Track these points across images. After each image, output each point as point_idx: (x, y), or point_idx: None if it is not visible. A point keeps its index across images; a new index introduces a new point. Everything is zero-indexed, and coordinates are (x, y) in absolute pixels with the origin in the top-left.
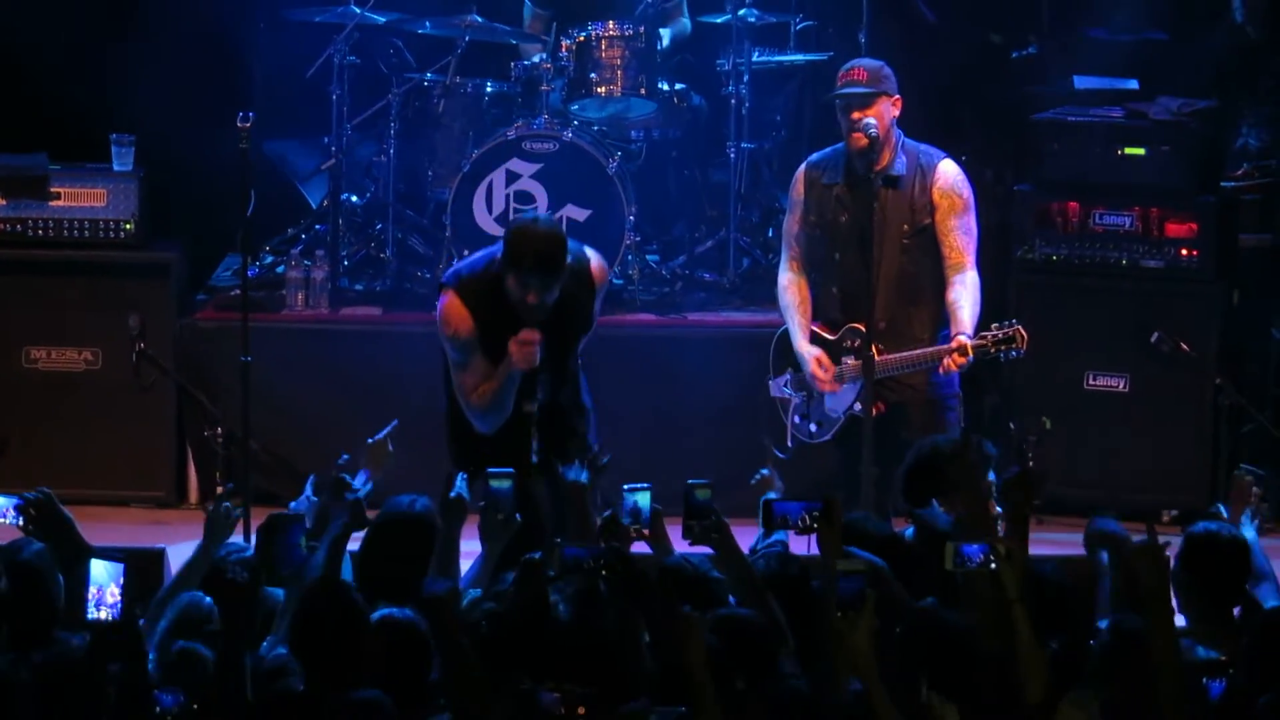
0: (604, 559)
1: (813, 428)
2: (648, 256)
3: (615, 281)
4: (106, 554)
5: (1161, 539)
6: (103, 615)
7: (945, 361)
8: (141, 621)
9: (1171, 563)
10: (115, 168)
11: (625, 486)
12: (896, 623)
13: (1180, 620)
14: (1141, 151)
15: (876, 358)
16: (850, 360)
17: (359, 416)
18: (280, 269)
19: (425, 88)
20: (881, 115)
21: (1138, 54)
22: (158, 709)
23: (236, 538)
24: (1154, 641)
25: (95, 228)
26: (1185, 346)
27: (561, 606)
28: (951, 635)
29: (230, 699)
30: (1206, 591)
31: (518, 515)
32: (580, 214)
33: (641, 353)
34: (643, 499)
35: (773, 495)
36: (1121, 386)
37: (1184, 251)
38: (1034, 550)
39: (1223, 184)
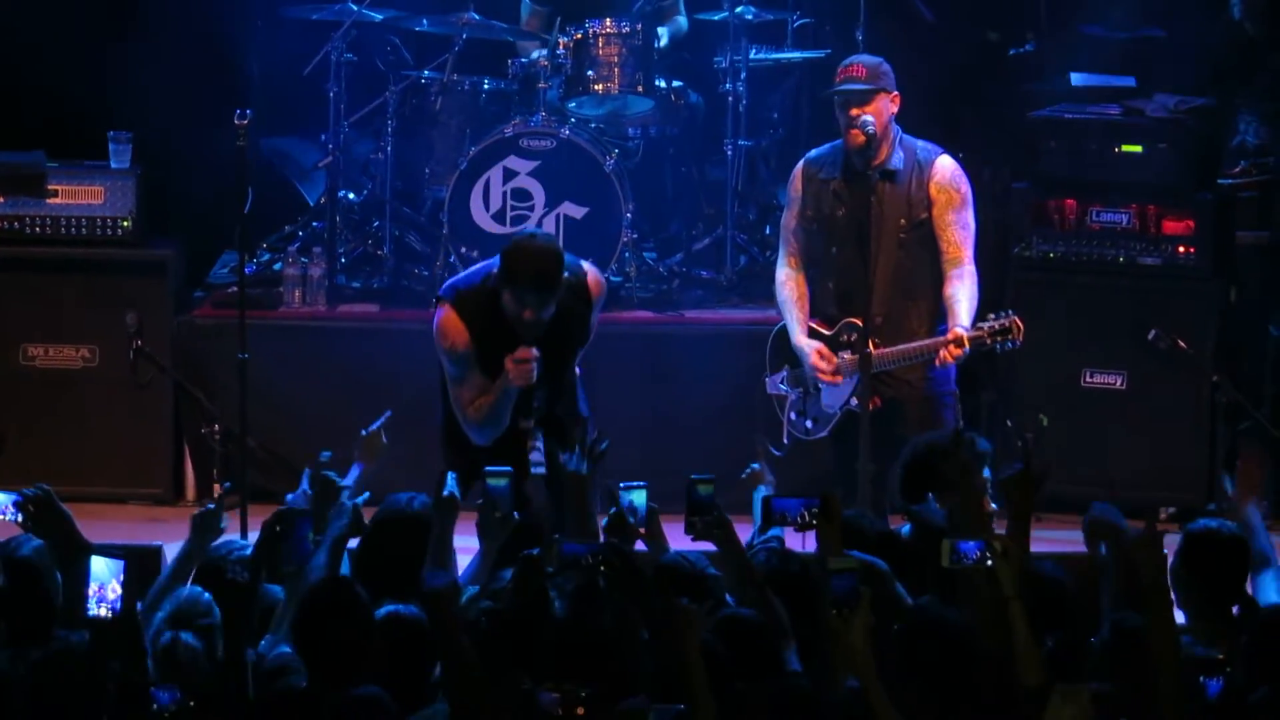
0: (603, 555)
1: (809, 424)
2: (645, 254)
3: (613, 279)
4: (105, 551)
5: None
6: (103, 612)
7: (941, 353)
8: None
9: (1170, 559)
10: (113, 165)
11: (621, 485)
12: (894, 621)
13: (1179, 618)
14: (1139, 149)
15: (873, 352)
16: (847, 355)
17: (356, 413)
18: (277, 266)
19: (422, 85)
20: (880, 111)
21: (1134, 51)
22: (154, 706)
23: (234, 535)
24: (1153, 636)
25: (93, 225)
26: (1182, 344)
27: (559, 603)
28: (949, 633)
29: (232, 697)
30: (1205, 589)
31: (515, 513)
32: (577, 211)
33: (638, 350)
34: (638, 497)
35: (764, 490)
36: (1119, 384)
37: (1181, 249)
38: (1031, 547)
39: (1220, 181)
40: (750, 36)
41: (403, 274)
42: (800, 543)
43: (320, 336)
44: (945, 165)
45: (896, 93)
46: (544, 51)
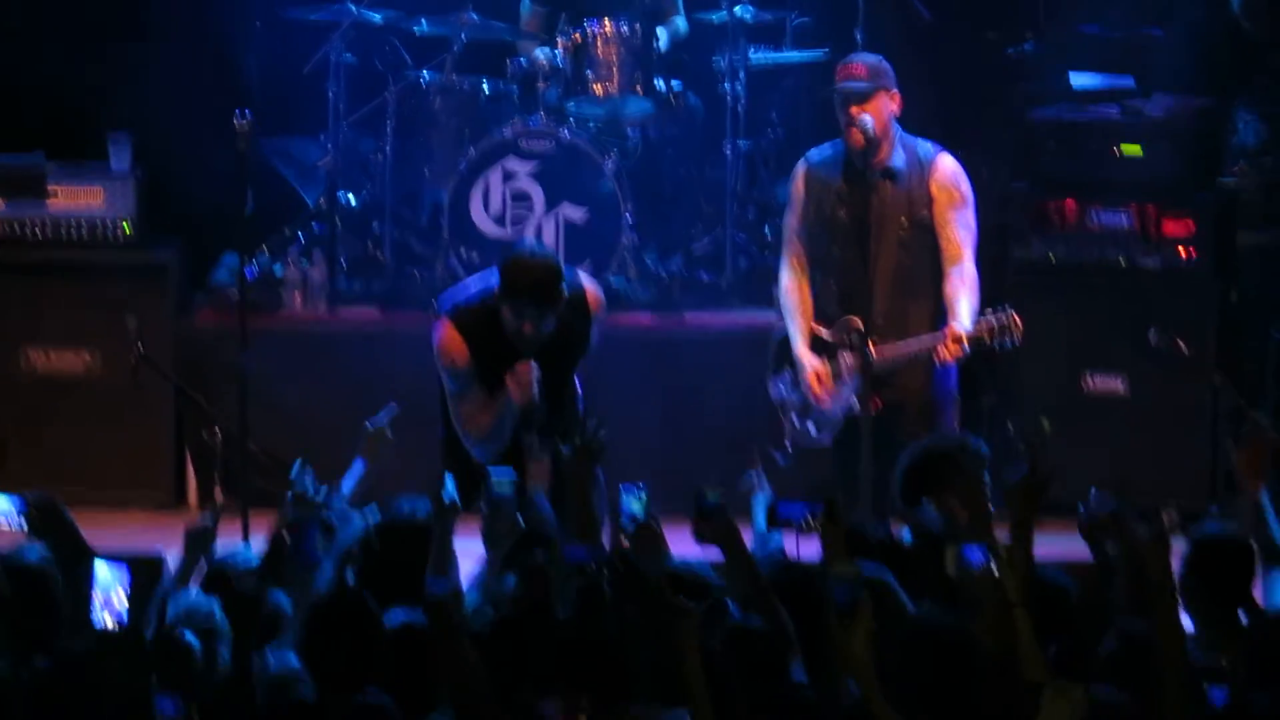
0: (607, 560)
1: (812, 428)
2: (644, 256)
3: (612, 281)
4: (111, 559)
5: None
6: (108, 619)
7: (940, 351)
8: None
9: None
10: (112, 166)
11: (621, 490)
12: (895, 628)
13: (1186, 624)
14: (1138, 149)
15: (874, 353)
16: (847, 356)
17: (357, 416)
18: (278, 269)
19: (422, 86)
20: (879, 110)
21: (1133, 50)
22: (158, 715)
23: (239, 543)
24: (1159, 637)
25: (92, 228)
26: (1182, 344)
27: (563, 609)
28: (947, 639)
29: (238, 706)
30: (1212, 595)
31: (520, 518)
32: (577, 213)
33: (637, 352)
34: (636, 503)
35: (762, 498)
36: (1119, 386)
37: (1182, 250)
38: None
39: (1220, 181)
40: (749, 37)
41: (403, 276)
42: (797, 549)
43: (321, 340)
44: (946, 164)
45: (897, 91)
46: (547, 50)
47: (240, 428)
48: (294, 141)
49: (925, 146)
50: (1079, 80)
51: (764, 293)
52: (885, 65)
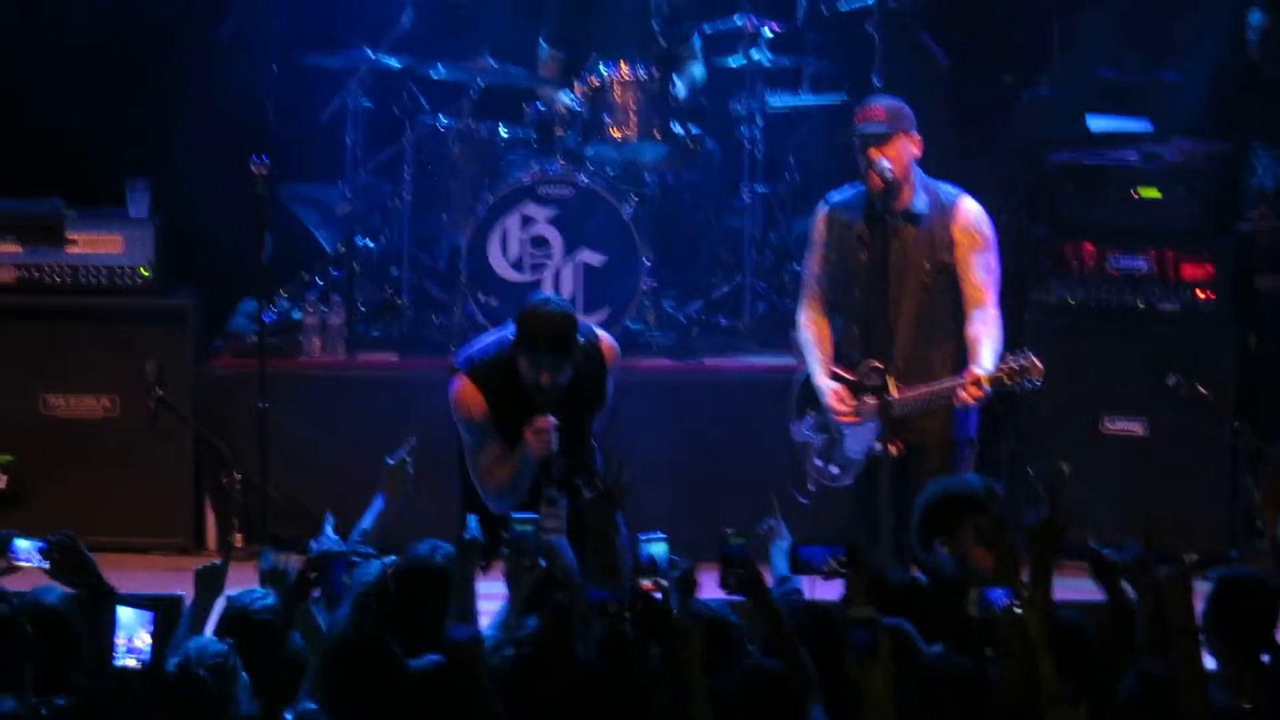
0: (629, 602)
1: (834, 470)
2: (663, 301)
3: (631, 326)
4: (134, 602)
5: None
6: (130, 662)
7: (961, 394)
8: None
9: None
10: (130, 213)
11: (640, 536)
12: (913, 671)
13: (1208, 663)
14: (1156, 193)
15: (895, 394)
16: (869, 399)
17: (376, 461)
18: (296, 314)
19: (439, 132)
20: (899, 153)
21: (1151, 93)
22: None
23: (255, 587)
24: (1179, 678)
25: (111, 274)
26: (1202, 389)
27: (584, 650)
28: (962, 681)
29: None
30: (1234, 636)
31: (541, 560)
32: (595, 259)
33: (657, 398)
34: (658, 549)
35: (782, 544)
36: (1139, 430)
37: (1200, 293)
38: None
39: (1238, 225)
40: (766, 81)
41: (422, 322)
42: (811, 590)
43: (340, 385)
44: (969, 207)
45: (917, 134)
46: (565, 95)
47: (261, 472)
48: (312, 187)
49: (947, 190)
50: (1096, 124)
51: (782, 337)
52: (905, 108)
